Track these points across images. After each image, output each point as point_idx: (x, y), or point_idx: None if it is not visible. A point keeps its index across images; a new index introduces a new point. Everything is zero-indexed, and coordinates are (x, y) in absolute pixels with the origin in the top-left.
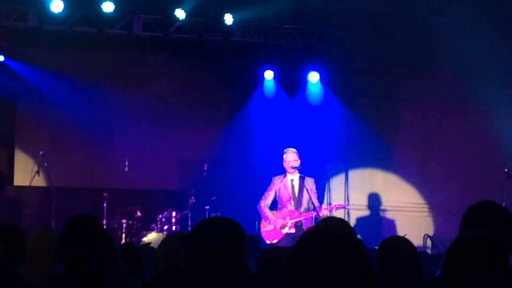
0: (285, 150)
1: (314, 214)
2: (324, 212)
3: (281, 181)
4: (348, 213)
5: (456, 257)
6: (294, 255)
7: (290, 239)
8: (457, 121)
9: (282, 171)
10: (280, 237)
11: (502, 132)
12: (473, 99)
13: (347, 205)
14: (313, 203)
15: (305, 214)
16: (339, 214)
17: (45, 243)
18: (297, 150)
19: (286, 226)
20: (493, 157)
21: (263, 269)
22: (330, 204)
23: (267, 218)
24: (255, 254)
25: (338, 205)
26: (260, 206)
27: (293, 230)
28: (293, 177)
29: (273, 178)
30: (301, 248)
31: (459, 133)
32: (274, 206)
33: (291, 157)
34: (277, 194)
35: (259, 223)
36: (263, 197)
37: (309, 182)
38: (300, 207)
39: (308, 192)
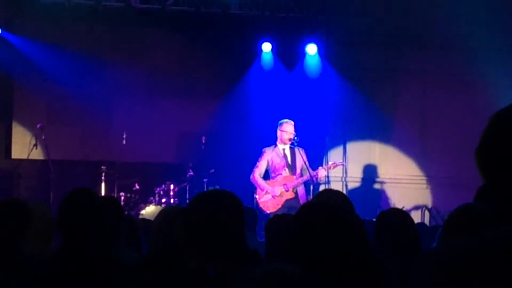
0: (283, 121)
1: (309, 178)
2: (322, 173)
3: (273, 151)
4: (346, 185)
5: (454, 229)
6: (293, 229)
7: (289, 206)
8: (456, 93)
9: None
10: (280, 204)
11: (501, 104)
12: (472, 71)
13: (344, 163)
14: (307, 168)
15: (301, 178)
16: (337, 186)
17: (39, 216)
18: (295, 122)
19: (285, 192)
20: None
21: (271, 237)
22: (327, 163)
23: (263, 188)
24: (253, 227)
25: (334, 163)
26: (254, 177)
27: (292, 196)
28: (284, 147)
29: (263, 149)
30: (299, 222)
31: (458, 105)
32: (266, 177)
33: (290, 129)
34: (270, 164)
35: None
36: (255, 168)
37: (301, 151)
38: (295, 173)
39: (301, 158)
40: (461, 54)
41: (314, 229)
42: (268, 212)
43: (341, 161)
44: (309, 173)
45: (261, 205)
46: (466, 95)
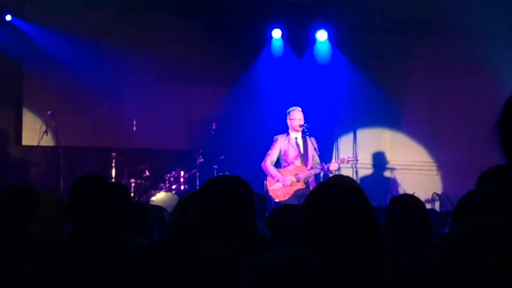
0: (290, 109)
1: (320, 170)
2: (334, 166)
3: (285, 139)
4: (357, 172)
5: (464, 214)
6: (304, 208)
7: (300, 195)
8: (466, 79)
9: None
10: (290, 194)
11: (511, 91)
12: (483, 58)
13: (357, 158)
14: (318, 159)
15: (313, 170)
16: (347, 173)
17: (52, 204)
18: (305, 109)
19: (296, 182)
20: None
21: (273, 228)
22: (340, 158)
23: (274, 176)
24: (263, 213)
25: (348, 157)
26: (266, 165)
27: (303, 186)
28: (297, 135)
29: (275, 137)
30: (311, 201)
31: (467, 91)
32: (277, 165)
33: (298, 115)
34: (282, 152)
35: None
36: (267, 155)
37: (312, 140)
38: (307, 164)
39: (313, 149)
40: (471, 41)
41: (325, 206)
42: (277, 200)
43: (354, 156)
44: (320, 164)
45: (270, 193)
46: (475, 82)
